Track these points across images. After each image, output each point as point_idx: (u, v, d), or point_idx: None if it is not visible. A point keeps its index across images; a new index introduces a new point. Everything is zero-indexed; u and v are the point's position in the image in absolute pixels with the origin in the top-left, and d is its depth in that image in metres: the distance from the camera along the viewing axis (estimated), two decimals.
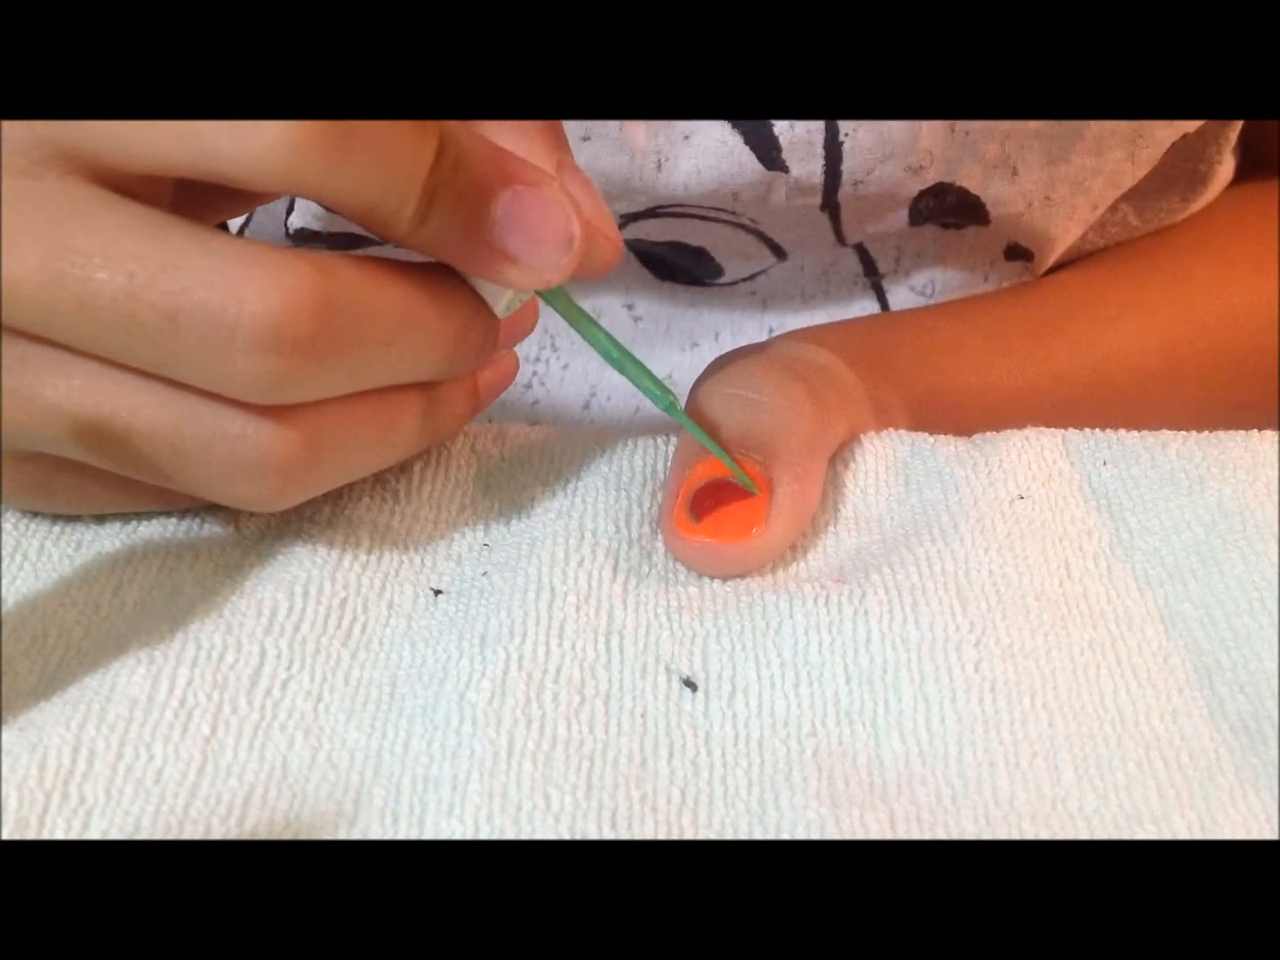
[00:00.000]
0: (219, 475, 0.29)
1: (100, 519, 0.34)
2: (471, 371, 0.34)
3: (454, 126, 0.29)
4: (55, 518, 0.34)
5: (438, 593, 0.33)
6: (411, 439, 0.32)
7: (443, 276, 0.30)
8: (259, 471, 0.29)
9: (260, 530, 0.34)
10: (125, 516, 0.34)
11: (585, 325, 0.33)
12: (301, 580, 0.32)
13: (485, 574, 0.33)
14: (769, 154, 0.44)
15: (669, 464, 0.37)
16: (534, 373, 0.53)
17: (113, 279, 0.26)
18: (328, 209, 0.29)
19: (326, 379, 0.28)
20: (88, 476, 0.31)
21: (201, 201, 0.30)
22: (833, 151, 0.44)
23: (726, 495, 0.34)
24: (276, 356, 0.27)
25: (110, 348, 0.27)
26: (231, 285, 0.27)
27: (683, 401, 0.50)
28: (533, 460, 0.37)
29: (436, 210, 0.28)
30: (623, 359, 0.34)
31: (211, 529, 0.34)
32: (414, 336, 0.30)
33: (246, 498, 0.30)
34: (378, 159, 0.27)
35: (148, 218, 0.27)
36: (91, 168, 0.27)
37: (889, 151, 0.44)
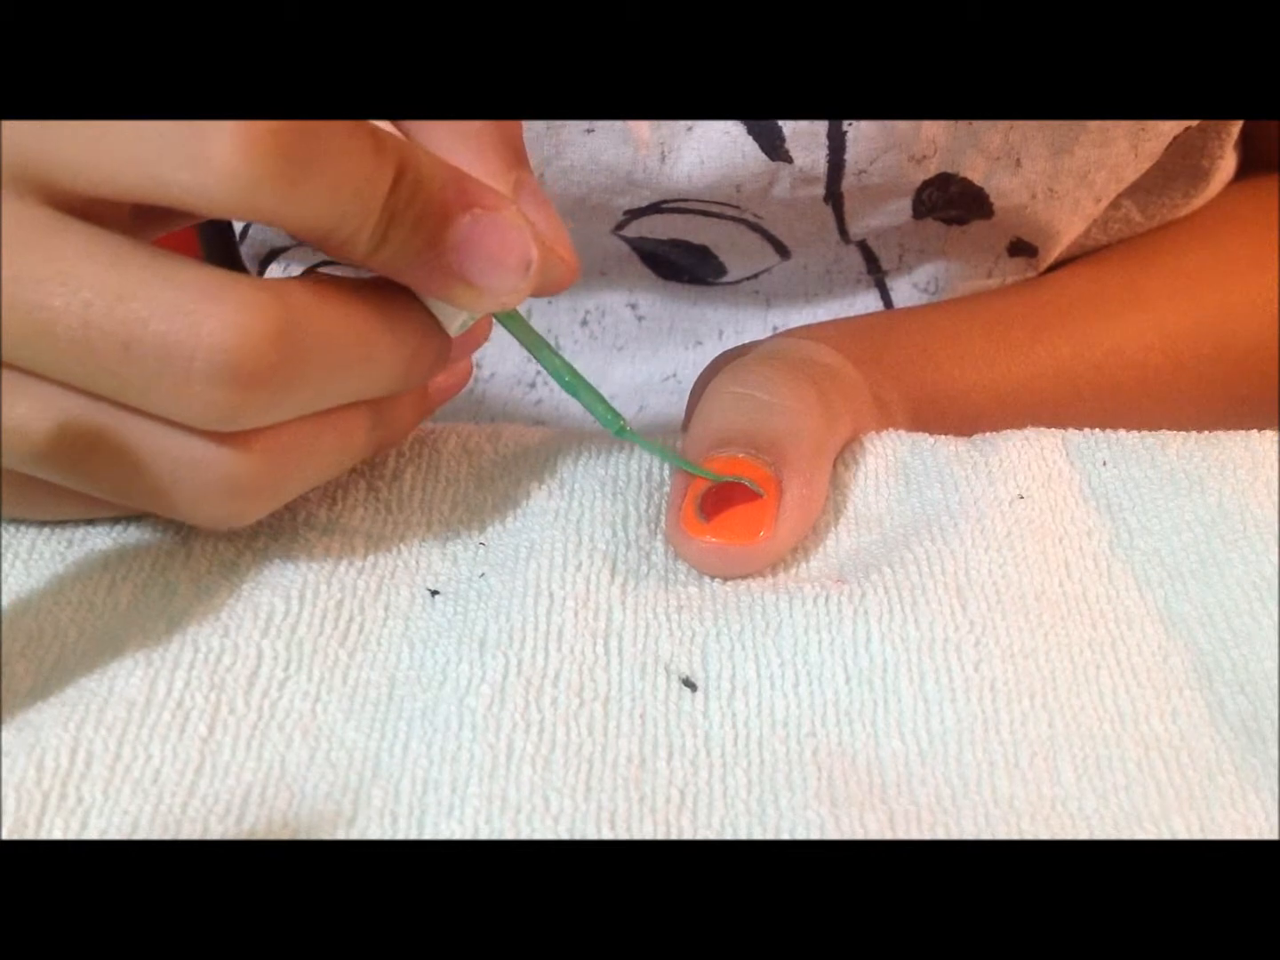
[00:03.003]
0: (182, 498, 0.29)
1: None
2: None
3: (412, 149, 0.29)
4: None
5: (434, 593, 0.33)
6: (363, 449, 0.32)
7: (398, 296, 0.30)
8: (221, 495, 0.29)
9: (254, 529, 0.34)
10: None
11: (538, 348, 0.33)
12: (298, 584, 0.32)
13: (483, 575, 0.33)
14: (772, 144, 0.44)
15: (669, 465, 0.37)
16: (537, 372, 0.53)
17: (68, 307, 0.26)
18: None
19: (284, 406, 0.28)
20: (64, 491, 0.31)
21: (165, 211, 0.30)
22: (836, 141, 0.44)
23: (733, 496, 0.34)
24: (233, 389, 0.27)
25: (68, 374, 0.27)
26: (188, 317, 0.26)
27: (684, 398, 0.50)
28: (528, 458, 0.37)
29: (394, 234, 0.28)
30: (575, 382, 0.34)
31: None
32: (370, 361, 0.30)
33: (210, 518, 0.30)
34: (334, 186, 0.27)
35: (106, 244, 0.27)
36: (47, 192, 0.27)
37: (892, 141, 0.44)
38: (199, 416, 0.27)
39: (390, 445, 0.35)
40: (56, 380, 0.27)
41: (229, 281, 0.27)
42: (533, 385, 0.53)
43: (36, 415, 0.28)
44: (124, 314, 0.26)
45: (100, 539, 0.33)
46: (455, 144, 0.31)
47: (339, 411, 0.31)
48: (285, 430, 0.29)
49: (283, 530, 0.34)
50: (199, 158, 0.26)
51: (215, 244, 0.61)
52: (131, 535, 0.34)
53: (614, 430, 0.34)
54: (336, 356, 0.29)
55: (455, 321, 0.32)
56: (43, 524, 0.34)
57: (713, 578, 0.34)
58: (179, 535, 0.34)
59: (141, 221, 0.30)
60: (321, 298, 0.28)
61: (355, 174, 0.27)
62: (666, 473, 0.37)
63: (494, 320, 0.34)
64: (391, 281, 0.30)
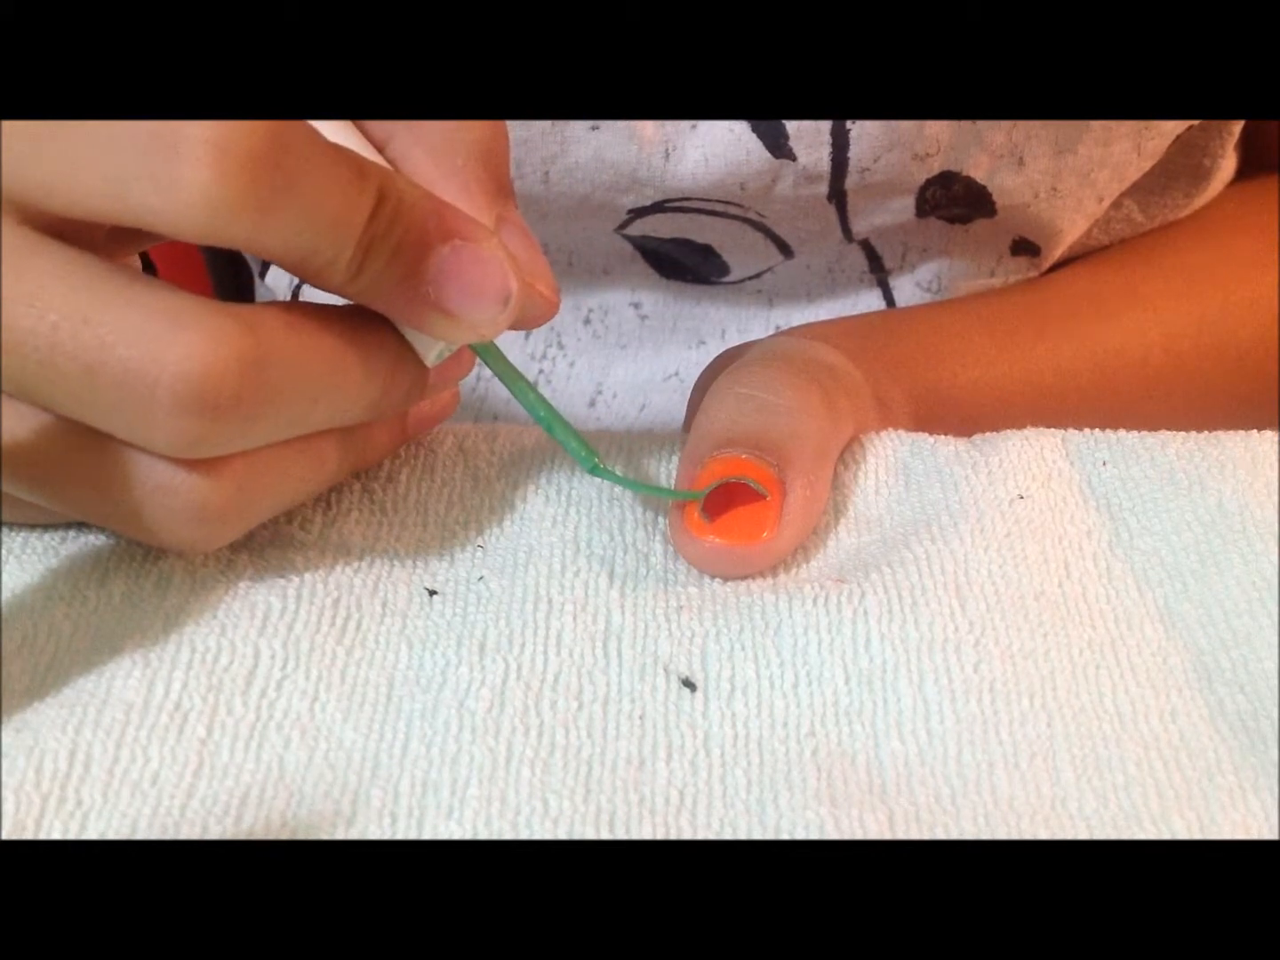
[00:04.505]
0: (149, 522, 0.29)
1: None
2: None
3: (394, 176, 0.28)
4: None
5: (433, 593, 0.33)
6: (334, 474, 0.32)
7: (373, 323, 0.30)
8: (188, 520, 0.29)
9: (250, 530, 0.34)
10: None
11: (514, 382, 0.33)
12: (294, 583, 0.32)
13: (481, 579, 0.33)
14: (776, 141, 0.44)
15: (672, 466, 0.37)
16: (540, 370, 0.53)
17: (34, 328, 0.26)
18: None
19: (251, 435, 0.28)
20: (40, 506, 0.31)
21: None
22: (839, 139, 0.44)
23: (737, 496, 0.34)
24: (198, 418, 0.27)
25: (35, 395, 0.27)
26: (153, 344, 0.26)
27: (685, 397, 0.50)
28: (524, 460, 0.37)
29: (372, 262, 0.28)
30: (549, 417, 0.33)
31: None
32: (342, 390, 0.29)
33: (178, 543, 0.30)
34: (310, 214, 0.27)
35: (78, 265, 0.26)
36: (22, 211, 0.26)
37: (895, 139, 0.44)
38: (163, 443, 0.27)
39: (362, 469, 0.35)
40: (26, 400, 0.27)
41: (198, 308, 0.27)
42: (534, 384, 0.53)
43: (7, 433, 0.28)
44: (89, 338, 0.26)
45: (94, 533, 0.33)
46: (439, 176, 0.31)
47: (310, 438, 0.30)
48: (254, 457, 0.29)
49: (279, 533, 0.34)
50: (169, 182, 0.25)
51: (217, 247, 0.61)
52: None
53: (587, 468, 0.34)
54: (306, 386, 0.28)
55: (432, 351, 0.31)
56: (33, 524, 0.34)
57: (713, 578, 0.34)
58: None
59: (122, 237, 0.30)
60: (293, 326, 0.28)
61: (333, 202, 0.27)
62: (666, 473, 0.37)
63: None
64: (368, 309, 0.30)
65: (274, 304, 0.29)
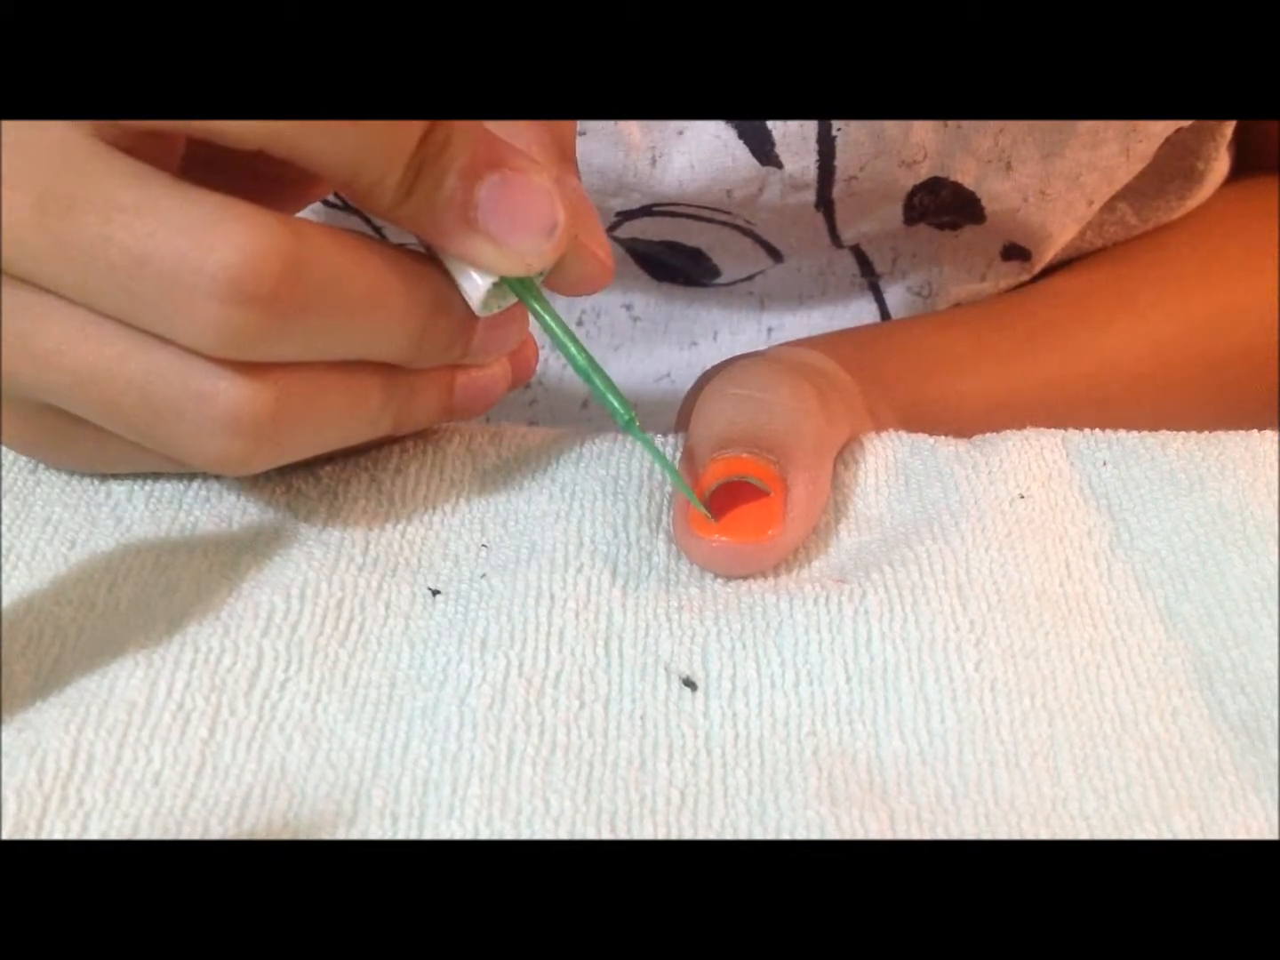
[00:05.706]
0: (190, 431, 0.29)
1: (92, 516, 0.34)
2: (447, 367, 0.34)
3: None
4: (48, 517, 0.34)
5: (435, 593, 0.33)
6: (377, 420, 0.33)
7: (420, 263, 0.31)
8: (228, 429, 0.29)
9: (255, 529, 0.34)
10: (119, 512, 0.34)
11: (556, 330, 0.33)
12: (298, 583, 0.32)
13: (484, 576, 0.33)
14: (762, 148, 0.44)
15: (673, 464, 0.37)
16: (539, 375, 0.53)
17: (91, 220, 0.27)
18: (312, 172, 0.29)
19: (289, 340, 0.29)
20: (103, 431, 0.31)
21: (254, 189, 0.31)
22: (825, 146, 0.44)
23: (740, 495, 0.34)
24: (238, 308, 0.27)
25: (88, 293, 0.28)
26: (201, 233, 0.27)
27: (677, 398, 0.50)
28: (530, 461, 0.37)
29: (421, 185, 0.29)
30: (589, 369, 0.33)
31: (205, 527, 0.34)
32: (380, 313, 0.30)
33: (216, 457, 0.30)
34: (361, 126, 0.28)
35: (134, 168, 0.28)
36: (98, 128, 0.28)
37: (882, 146, 0.44)
38: (203, 336, 0.28)
39: (408, 427, 0.35)
40: (84, 304, 0.28)
41: (247, 207, 0.28)
42: (527, 385, 0.53)
43: (65, 341, 0.28)
44: (141, 227, 0.27)
45: (104, 539, 0.33)
46: (501, 134, 0.31)
47: (354, 369, 0.31)
48: (296, 372, 0.30)
49: (284, 528, 0.34)
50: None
51: None
52: (134, 535, 0.34)
53: (622, 423, 0.34)
54: (346, 297, 0.29)
55: (478, 296, 0.31)
56: (45, 526, 0.34)
57: (716, 577, 0.34)
58: (181, 536, 0.34)
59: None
60: (337, 240, 0.29)
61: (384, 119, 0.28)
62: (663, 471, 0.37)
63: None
64: (419, 253, 0.31)
65: (324, 224, 0.29)
